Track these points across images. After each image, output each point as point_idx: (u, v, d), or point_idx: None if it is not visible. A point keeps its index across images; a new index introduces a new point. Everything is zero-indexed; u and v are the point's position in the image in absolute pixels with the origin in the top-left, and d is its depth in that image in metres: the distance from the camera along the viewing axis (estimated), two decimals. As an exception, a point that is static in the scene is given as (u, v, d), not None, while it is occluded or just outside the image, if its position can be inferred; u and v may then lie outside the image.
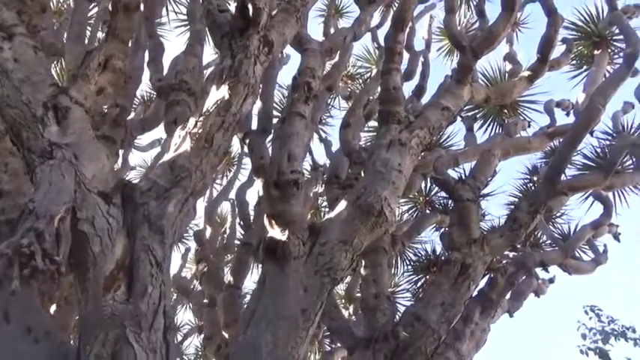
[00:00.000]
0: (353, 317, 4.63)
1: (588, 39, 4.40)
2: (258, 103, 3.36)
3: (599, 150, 4.42)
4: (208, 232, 4.19)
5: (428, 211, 5.25)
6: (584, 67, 4.55)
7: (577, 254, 4.61)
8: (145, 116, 3.39)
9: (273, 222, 2.29)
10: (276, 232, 2.28)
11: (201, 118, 2.05)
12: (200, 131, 2.02)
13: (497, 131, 4.87)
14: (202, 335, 3.93)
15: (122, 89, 2.48)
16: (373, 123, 4.64)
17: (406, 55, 4.58)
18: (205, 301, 3.70)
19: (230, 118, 2.06)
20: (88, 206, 1.73)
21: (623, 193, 4.73)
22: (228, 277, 3.41)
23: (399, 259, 5.59)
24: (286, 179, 2.30)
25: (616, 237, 4.97)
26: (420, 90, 4.16)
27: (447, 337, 3.04)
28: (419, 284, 5.33)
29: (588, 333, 3.44)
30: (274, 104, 3.95)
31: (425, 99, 4.09)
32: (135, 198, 1.87)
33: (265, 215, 2.37)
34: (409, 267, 5.57)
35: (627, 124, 4.33)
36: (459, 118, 4.79)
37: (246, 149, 3.79)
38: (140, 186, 1.92)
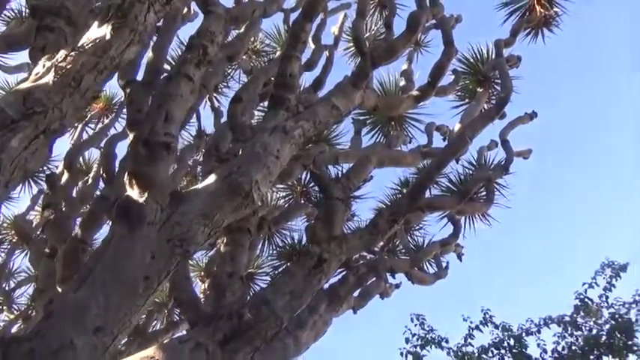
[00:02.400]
0: (208, 292, 4.57)
1: (475, 76, 4.81)
2: (150, 54, 3.15)
3: (462, 177, 4.87)
4: (65, 177, 3.84)
5: (302, 202, 5.37)
6: (467, 100, 4.98)
7: (423, 266, 5.05)
8: (12, 33, 2.98)
9: (134, 181, 2.16)
10: (135, 193, 2.15)
11: (73, 53, 1.86)
12: (69, 67, 1.83)
13: (381, 140, 5.13)
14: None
15: (-13, -3, 2.15)
16: (268, 104, 4.61)
17: (313, 46, 4.62)
18: (46, 250, 3.39)
19: (107, 61, 1.90)
20: None
21: (473, 220, 5.28)
22: (76, 231, 3.15)
23: (266, 242, 5.66)
24: (158, 140, 2.18)
25: (459, 257, 5.53)
26: (318, 83, 4.19)
27: (289, 324, 3.14)
28: (280, 270, 5.44)
29: (411, 338, 3.80)
30: (168, 60, 3.73)
31: (322, 93, 4.16)
32: (-28, 122, 1.64)
33: (127, 173, 2.22)
34: (274, 252, 5.67)
35: (489, 159, 4.83)
36: (350, 120, 4.97)
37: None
38: (-18, 111, 1.68)
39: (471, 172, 4.80)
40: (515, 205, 5.04)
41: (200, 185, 2.37)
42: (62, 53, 1.86)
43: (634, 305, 3.74)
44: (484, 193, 4.63)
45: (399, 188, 5.54)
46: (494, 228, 4.92)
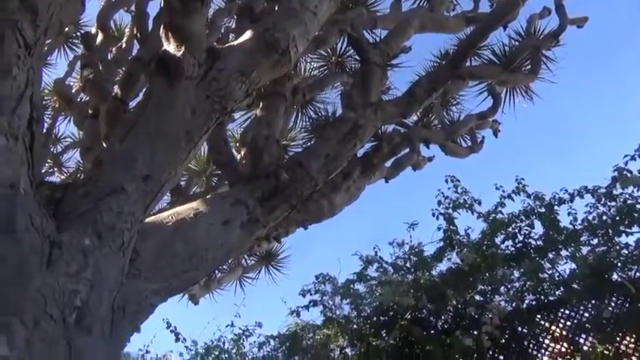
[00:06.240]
0: (245, 157, 4.70)
1: None
2: None
3: (507, 49, 4.58)
4: (100, 38, 3.79)
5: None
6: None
7: (458, 140, 5.01)
8: None
9: (170, 35, 2.11)
10: (172, 48, 2.12)
11: None
12: None
13: (423, 5, 4.79)
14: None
15: None
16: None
17: None
18: (89, 111, 3.48)
19: None
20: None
21: (514, 95, 5.07)
22: (115, 91, 3.19)
23: (299, 114, 5.66)
24: (191, -9, 2.07)
25: (495, 133, 5.43)
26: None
27: (324, 187, 3.24)
28: (312, 142, 5.49)
29: (444, 201, 3.89)
30: None
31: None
32: (4, -37, 1.58)
33: (163, 27, 2.17)
34: (307, 124, 5.69)
35: (539, 28, 4.48)
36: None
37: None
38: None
39: (517, 43, 4.50)
40: (559, 80, 4.77)
41: (236, 42, 2.31)
42: None
43: (674, 181, 3.65)
44: (529, 65, 4.38)
45: (437, 60, 5.30)
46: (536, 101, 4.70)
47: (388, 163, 4.33)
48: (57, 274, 1.48)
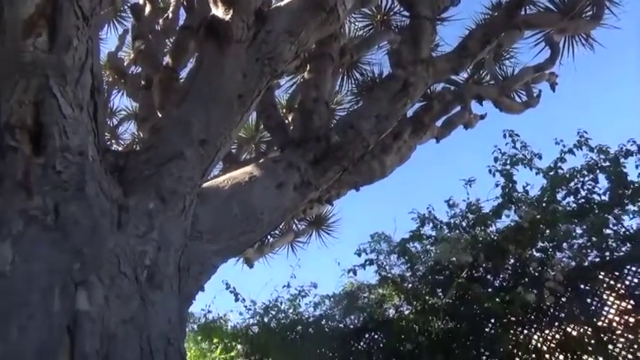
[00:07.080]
0: (291, 127, 4.72)
1: None
2: None
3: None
4: (148, 9, 3.85)
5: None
6: None
7: (512, 95, 4.79)
8: None
9: (218, 0, 2.12)
10: (220, 12, 2.12)
11: None
12: None
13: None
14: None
15: None
16: None
17: None
18: (142, 83, 3.57)
19: None
20: None
21: (573, 44, 4.76)
22: (166, 61, 3.25)
23: (345, 77, 5.57)
24: (237, -48, 2.05)
25: (552, 86, 5.14)
26: None
27: (374, 148, 3.21)
28: (360, 104, 5.42)
29: (501, 157, 3.75)
30: None
31: None
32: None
33: (210, -9, 2.17)
34: (353, 87, 5.60)
35: (602, -32, 4.13)
36: None
37: None
38: None
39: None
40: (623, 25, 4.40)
41: (283, 3, 2.28)
42: None
43: None
44: (590, 11, 4.09)
45: (489, 12, 5.04)
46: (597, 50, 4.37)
47: (439, 123, 4.22)
48: (127, 236, 1.56)
